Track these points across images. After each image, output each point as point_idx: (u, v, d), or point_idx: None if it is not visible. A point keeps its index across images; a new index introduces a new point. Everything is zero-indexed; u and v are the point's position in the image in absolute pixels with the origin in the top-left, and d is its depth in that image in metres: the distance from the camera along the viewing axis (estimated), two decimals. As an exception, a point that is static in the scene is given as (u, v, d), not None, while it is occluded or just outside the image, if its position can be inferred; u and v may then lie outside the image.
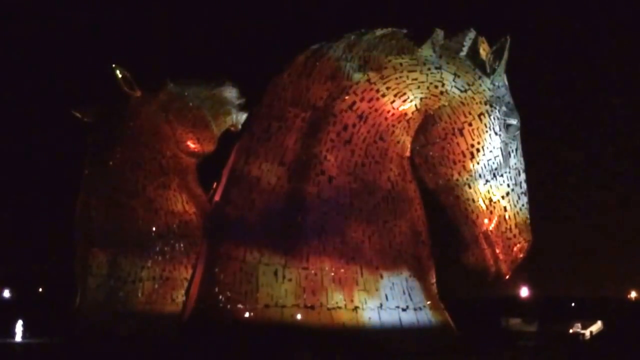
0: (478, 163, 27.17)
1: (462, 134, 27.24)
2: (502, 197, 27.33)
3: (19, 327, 36.13)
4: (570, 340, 36.74)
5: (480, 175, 27.20)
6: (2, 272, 70.77)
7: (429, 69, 27.32)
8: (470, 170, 27.20)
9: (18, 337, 36.10)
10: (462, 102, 27.37)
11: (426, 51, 27.48)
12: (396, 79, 27.20)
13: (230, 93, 39.88)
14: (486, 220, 27.23)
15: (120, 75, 39.03)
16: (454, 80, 27.36)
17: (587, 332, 39.95)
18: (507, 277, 28.15)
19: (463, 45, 27.93)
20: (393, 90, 27.24)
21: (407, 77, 27.25)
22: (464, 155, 27.19)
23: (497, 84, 27.93)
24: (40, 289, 65.71)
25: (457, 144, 27.26)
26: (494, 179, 27.33)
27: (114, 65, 39.22)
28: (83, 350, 31.81)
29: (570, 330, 41.79)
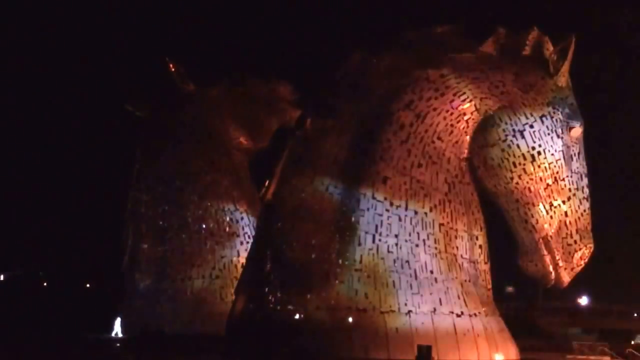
0: (539, 166, 26.32)
1: (522, 136, 26.42)
2: (563, 202, 26.48)
3: (117, 323, 36.38)
4: (633, 352, 35.62)
5: (540, 179, 26.34)
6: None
7: (489, 68, 26.50)
8: (531, 174, 26.33)
9: (117, 333, 36.40)
10: (523, 103, 26.51)
11: (487, 49, 26.66)
12: (455, 77, 26.50)
13: (285, 90, 39.57)
14: (546, 225, 26.43)
15: (173, 70, 39.03)
16: (515, 80, 26.49)
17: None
18: (567, 284, 27.39)
19: (526, 44, 27.03)
20: (452, 89, 26.54)
21: (467, 76, 26.51)
22: (525, 158, 26.34)
23: (560, 84, 27.06)
24: (88, 285, 66.08)
25: (518, 146, 26.42)
26: (555, 182, 26.45)
27: (167, 60, 39.25)
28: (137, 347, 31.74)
29: (633, 342, 40.87)
